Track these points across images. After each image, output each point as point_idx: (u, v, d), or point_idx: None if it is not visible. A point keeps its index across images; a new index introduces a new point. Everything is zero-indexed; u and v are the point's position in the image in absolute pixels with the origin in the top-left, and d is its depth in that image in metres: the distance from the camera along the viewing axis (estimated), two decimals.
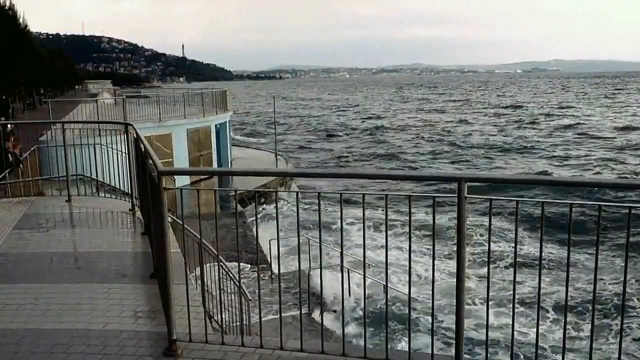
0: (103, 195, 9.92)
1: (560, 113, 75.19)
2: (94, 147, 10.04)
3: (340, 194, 4.02)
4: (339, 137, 56.39)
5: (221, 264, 8.35)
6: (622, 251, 17.25)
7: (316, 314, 12.65)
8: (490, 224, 3.76)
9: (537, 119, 67.14)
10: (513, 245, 14.28)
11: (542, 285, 3.77)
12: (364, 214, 3.82)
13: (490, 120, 67.90)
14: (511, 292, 3.75)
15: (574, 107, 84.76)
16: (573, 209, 3.63)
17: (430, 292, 3.85)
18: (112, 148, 9.64)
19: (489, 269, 3.78)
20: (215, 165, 26.93)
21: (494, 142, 47.18)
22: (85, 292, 5.32)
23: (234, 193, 16.55)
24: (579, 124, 60.23)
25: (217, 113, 27.52)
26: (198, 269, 7.98)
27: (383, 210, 4.02)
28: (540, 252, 3.87)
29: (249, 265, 14.62)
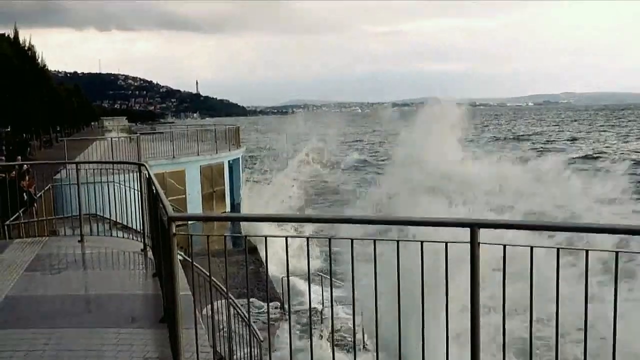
0: (116, 234, 9.94)
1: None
2: (107, 185, 10.11)
3: (352, 239, 3.97)
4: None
5: (232, 302, 8.29)
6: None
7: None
8: (504, 271, 3.68)
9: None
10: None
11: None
12: (375, 262, 3.76)
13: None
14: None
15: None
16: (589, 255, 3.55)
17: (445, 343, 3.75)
18: (125, 186, 9.69)
19: (504, 319, 3.68)
20: (227, 201, 26.99)
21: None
22: (95, 337, 5.27)
23: (244, 237, 16.46)
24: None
25: (229, 149, 27.74)
26: (209, 307, 7.93)
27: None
28: (557, 300, 3.77)
29: (263, 304, 14.49)
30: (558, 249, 3.55)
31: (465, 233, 3.62)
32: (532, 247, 3.64)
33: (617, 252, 3.55)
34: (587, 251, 3.53)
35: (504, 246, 3.67)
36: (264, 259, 19.04)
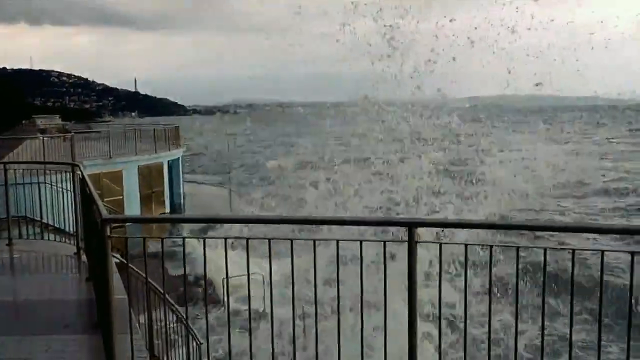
0: (47, 237, 9.54)
1: None
2: (39, 186, 9.70)
3: (292, 240, 3.96)
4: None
5: (170, 306, 8.11)
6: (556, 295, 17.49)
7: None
8: (440, 269, 3.77)
9: None
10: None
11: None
12: (315, 261, 3.76)
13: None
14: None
15: None
16: (520, 252, 3.68)
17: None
18: (58, 187, 9.31)
19: (440, 318, 3.77)
20: (167, 202, 26.46)
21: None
22: (25, 345, 5.03)
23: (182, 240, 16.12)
24: None
25: (169, 149, 27.19)
26: (146, 313, 7.73)
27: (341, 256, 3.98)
28: (490, 297, 3.89)
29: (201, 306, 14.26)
30: (490, 247, 3.66)
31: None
32: (466, 245, 3.74)
33: (545, 249, 3.69)
34: (517, 247, 3.66)
35: (440, 244, 3.76)
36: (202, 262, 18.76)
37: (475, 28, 16.24)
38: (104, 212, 4.14)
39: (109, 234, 4.01)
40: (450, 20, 16.57)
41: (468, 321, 3.89)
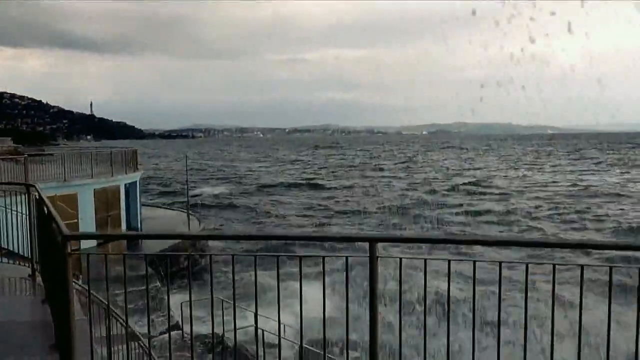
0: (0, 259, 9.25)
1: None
2: None
3: (255, 256, 4.02)
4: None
5: (131, 331, 7.97)
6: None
7: None
8: (400, 283, 3.88)
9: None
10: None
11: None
12: (278, 276, 3.83)
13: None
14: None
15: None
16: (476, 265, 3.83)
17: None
18: (10, 210, 9.08)
19: (400, 329, 3.86)
20: (124, 225, 25.94)
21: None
22: None
23: (143, 257, 15.97)
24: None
25: (126, 172, 26.79)
26: (105, 337, 7.56)
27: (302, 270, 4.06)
28: (448, 308, 4.02)
29: (163, 330, 14.02)
30: (449, 261, 3.79)
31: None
32: (425, 260, 3.87)
33: (500, 262, 3.85)
34: (474, 262, 3.80)
35: (400, 259, 3.88)
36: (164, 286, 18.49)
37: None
38: (65, 229, 4.10)
39: (69, 250, 3.98)
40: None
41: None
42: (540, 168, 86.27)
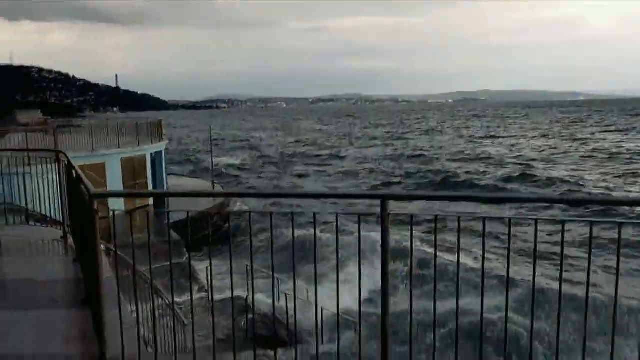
0: (33, 224, 9.66)
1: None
2: (24, 176, 9.81)
3: (270, 213, 4.20)
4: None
5: (156, 289, 8.31)
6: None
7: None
8: (412, 239, 4.01)
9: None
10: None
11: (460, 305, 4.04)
12: (293, 233, 4.00)
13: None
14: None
15: None
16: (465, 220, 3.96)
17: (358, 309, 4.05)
18: (42, 177, 9.44)
19: (411, 286, 4.00)
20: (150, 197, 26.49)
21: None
22: (15, 318, 5.22)
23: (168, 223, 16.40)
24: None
25: (152, 142, 27.21)
26: (132, 293, 7.91)
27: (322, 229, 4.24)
28: (458, 264, 4.16)
29: (187, 294, 14.46)
30: (459, 217, 3.92)
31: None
32: (436, 216, 4.00)
33: (510, 219, 3.97)
34: (484, 219, 3.92)
35: (411, 216, 4.01)
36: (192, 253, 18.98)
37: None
38: (92, 188, 4.33)
39: (96, 207, 4.21)
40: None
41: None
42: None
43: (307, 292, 13.75)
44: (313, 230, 4.19)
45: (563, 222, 3.59)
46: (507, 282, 4.23)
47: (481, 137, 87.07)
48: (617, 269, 3.86)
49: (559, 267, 3.97)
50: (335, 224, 4.15)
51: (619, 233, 3.57)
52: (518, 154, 60.75)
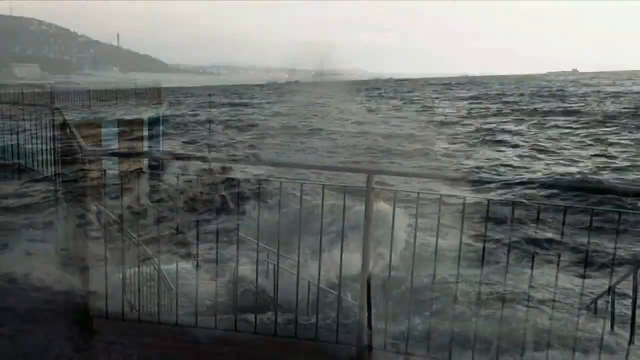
0: (27, 179, 9.72)
1: None
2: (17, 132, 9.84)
3: (259, 181, 4.28)
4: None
5: (142, 249, 8.39)
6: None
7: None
8: (394, 216, 4.10)
9: None
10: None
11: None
12: (281, 202, 4.08)
13: None
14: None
15: None
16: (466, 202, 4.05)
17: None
18: (36, 133, 9.45)
19: (390, 261, 4.09)
20: (145, 160, 26.49)
21: None
22: None
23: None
24: None
25: (148, 107, 27.24)
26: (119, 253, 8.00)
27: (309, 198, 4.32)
28: (437, 244, 4.25)
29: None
30: (440, 195, 4.01)
31: None
32: (418, 193, 4.08)
33: (489, 200, 4.06)
34: (465, 199, 4.01)
35: (395, 192, 4.10)
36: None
37: None
38: (85, 146, 4.40)
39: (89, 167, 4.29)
40: None
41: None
42: None
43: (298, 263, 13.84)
44: (301, 202, 4.27)
45: (539, 206, 3.69)
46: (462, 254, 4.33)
47: None
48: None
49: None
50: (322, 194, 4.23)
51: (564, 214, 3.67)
52: None
